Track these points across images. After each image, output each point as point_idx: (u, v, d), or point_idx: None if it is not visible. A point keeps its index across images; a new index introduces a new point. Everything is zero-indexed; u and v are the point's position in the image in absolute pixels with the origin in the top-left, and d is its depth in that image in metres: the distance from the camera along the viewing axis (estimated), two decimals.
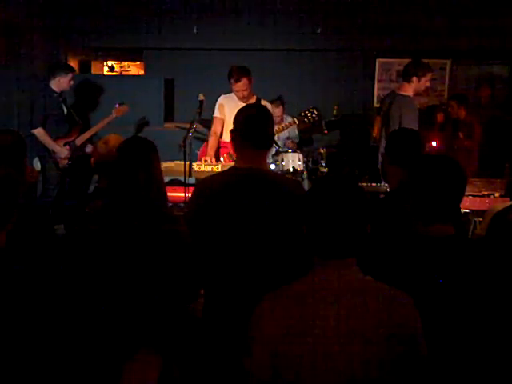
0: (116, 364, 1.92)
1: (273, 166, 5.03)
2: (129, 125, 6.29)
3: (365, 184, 4.82)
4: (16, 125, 5.75)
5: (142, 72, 8.16)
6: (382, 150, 4.52)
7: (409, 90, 4.41)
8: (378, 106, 6.27)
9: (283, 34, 6.75)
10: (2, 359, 1.71)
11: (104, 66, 8.73)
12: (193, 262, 2.33)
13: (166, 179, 4.24)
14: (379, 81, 7.31)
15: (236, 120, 2.38)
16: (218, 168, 4.42)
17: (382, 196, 4.35)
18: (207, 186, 2.36)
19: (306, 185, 4.74)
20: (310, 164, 5.47)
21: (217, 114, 4.81)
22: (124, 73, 8.83)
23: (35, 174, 3.79)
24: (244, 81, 4.50)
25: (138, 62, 8.45)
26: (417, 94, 4.48)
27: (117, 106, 5.60)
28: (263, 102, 4.56)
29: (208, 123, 5.20)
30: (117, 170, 2.25)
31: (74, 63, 7.09)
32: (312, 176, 5.29)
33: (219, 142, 4.86)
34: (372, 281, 1.59)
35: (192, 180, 4.24)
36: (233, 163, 2.55)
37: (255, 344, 1.56)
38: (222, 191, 2.29)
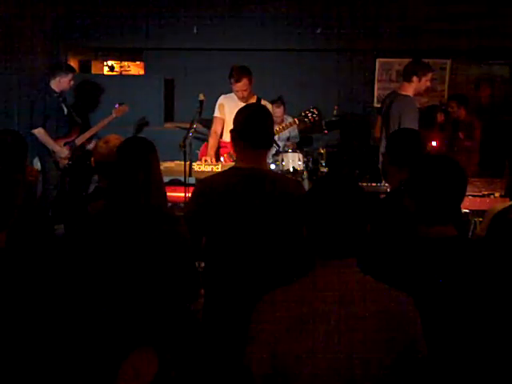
0: (114, 362, 1.91)
1: (273, 166, 5.03)
2: (129, 125, 6.29)
3: (365, 184, 4.83)
4: (16, 125, 5.75)
5: (142, 72, 8.17)
6: (382, 149, 4.51)
7: (409, 89, 4.40)
8: (378, 106, 6.28)
9: (283, 33, 6.74)
10: (2, 358, 1.71)
11: (104, 65, 8.73)
12: (193, 262, 2.33)
13: (166, 179, 4.25)
14: (379, 81, 7.32)
15: (236, 120, 2.38)
16: (218, 168, 4.41)
17: (382, 196, 4.35)
18: (207, 185, 2.35)
19: (306, 185, 4.75)
20: (310, 164, 5.48)
21: (217, 113, 4.81)
22: (124, 73, 8.83)
23: (35, 174, 3.78)
24: (244, 81, 4.50)
25: (138, 62, 8.45)
26: (417, 93, 4.47)
27: (117, 106, 5.60)
28: (263, 102, 4.56)
29: (208, 123, 5.19)
30: (116, 170, 2.26)
31: (74, 63, 7.09)
32: (312, 176, 5.30)
33: (219, 142, 4.86)
34: (372, 281, 1.59)
35: (192, 180, 4.23)
36: (233, 163, 2.55)
37: (255, 344, 1.56)
38: (223, 191, 2.29)
